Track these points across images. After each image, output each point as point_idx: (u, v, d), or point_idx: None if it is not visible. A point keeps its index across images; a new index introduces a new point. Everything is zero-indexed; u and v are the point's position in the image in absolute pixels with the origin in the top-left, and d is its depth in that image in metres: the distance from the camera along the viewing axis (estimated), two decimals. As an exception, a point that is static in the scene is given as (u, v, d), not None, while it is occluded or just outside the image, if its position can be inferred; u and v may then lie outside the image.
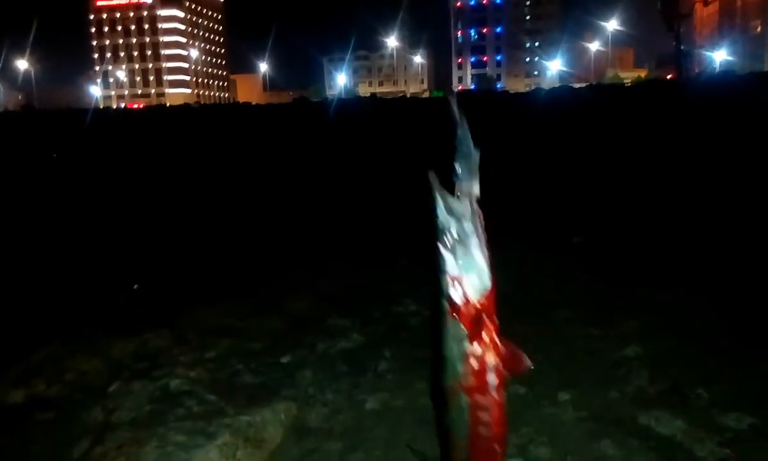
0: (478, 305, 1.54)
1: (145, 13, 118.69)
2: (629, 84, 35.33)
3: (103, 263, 5.76)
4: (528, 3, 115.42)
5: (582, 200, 7.82)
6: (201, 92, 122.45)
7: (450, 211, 1.53)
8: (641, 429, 2.59)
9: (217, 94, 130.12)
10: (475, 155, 1.54)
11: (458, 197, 1.54)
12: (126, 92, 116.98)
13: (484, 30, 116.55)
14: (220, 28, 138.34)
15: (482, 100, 26.43)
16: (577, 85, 34.14)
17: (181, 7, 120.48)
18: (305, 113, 26.02)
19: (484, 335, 1.57)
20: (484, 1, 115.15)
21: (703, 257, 5.03)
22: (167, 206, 8.97)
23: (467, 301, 1.55)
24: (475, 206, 1.56)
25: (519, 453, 2.46)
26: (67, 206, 9.16)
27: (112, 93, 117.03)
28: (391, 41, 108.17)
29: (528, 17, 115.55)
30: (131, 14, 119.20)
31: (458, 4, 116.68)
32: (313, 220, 7.47)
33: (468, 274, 1.54)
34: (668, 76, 46.27)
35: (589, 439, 2.52)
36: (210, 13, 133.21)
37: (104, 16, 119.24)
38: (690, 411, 2.67)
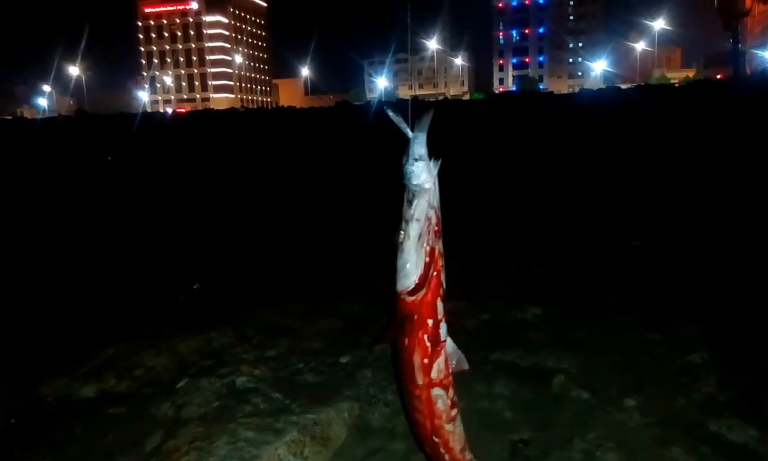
0: (407, 302, 1.75)
1: (191, 19, 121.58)
2: (678, 85, 34.39)
3: (162, 264, 5.94)
4: (571, 2, 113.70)
5: (637, 203, 7.65)
6: (244, 97, 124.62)
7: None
8: (712, 436, 2.54)
9: (260, 98, 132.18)
10: (429, 168, 1.69)
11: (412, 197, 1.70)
12: (172, 97, 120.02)
13: (527, 31, 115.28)
14: (263, 33, 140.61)
15: (524, 101, 26.16)
16: (624, 86, 33.41)
17: (225, 13, 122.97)
18: (347, 116, 26.21)
19: (416, 332, 1.79)
20: (527, 2, 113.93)
21: (766, 261, 4.87)
22: (217, 207, 9.17)
23: (398, 296, 1.77)
24: (431, 207, 1.71)
25: (586, 458, 2.44)
26: (125, 207, 9.46)
27: (159, 98, 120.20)
28: (432, 43, 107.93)
29: (571, 17, 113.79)
30: (177, 21, 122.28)
31: (500, 4, 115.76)
32: (361, 222, 7.53)
33: (399, 272, 1.74)
34: (717, 77, 44.82)
35: (659, 445, 2.48)
36: (253, 19, 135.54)
37: (152, 22, 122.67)
38: (763, 420, 2.60)
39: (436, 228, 1.73)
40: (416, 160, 1.69)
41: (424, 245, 1.72)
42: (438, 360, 1.81)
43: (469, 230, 6.37)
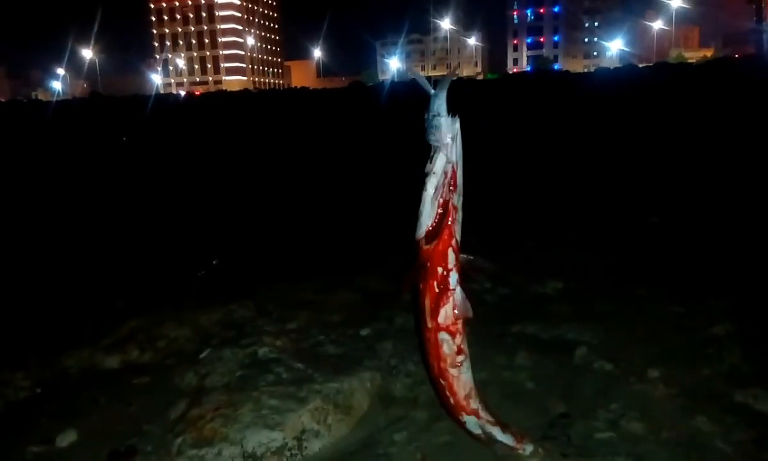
0: (422, 249, 1.85)
1: (203, 1, 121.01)
2: (695, 64, 33.80)
3: (180, 241, 5.98)
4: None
5: (655, 180, 7.57)
6: (257, 79, 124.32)
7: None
8: (738, 406, 2.52)
9: (272, 80, 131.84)
10: (448, 124, 1.76)
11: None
12: (185, 80, 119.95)
13: (541, 10, 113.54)
14: (275, 15, 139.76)
15: (540, 81, 25.86)
16: (641, 65, 32.91)
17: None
18: (360, 97, 26.11)
19: (427, 278, 1.89)
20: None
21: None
22: (232, 186, 9.20)
23: (416, 243, 1.86)
24: (448, 161, 1.78)
25: (610, 427, 2.43)
26: (142, 186, 9.52)
27: (172, 81, 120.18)
28: (445, 24, 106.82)
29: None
30: (189, 2, 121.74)
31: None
32: (376, 200, 7.52)
33: (418, 220, 1.84)
34: (736, 55, 43.97)
35: (683, 415, 2.47)
36: (265, 0, 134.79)
37: (164, 5, 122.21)
38: (789, 391, 2.57)
39: (452, 182, 1.79)
40: (435, 116, 1.76)
41: (438, 197, 1.79)
42: (445, 307, 1.90)
43: (487, 208, 6.35)
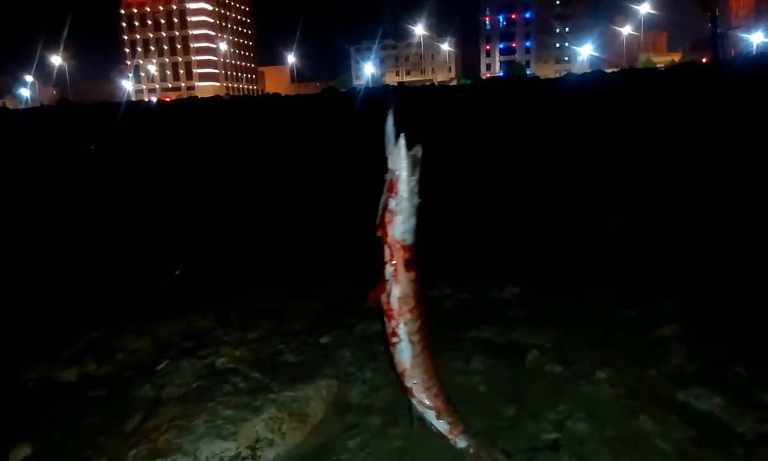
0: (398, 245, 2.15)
1: (175, 6, 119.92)
2: (663, 69, 34.54)
3: (145, 251, 5.95)
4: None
5: (620, 185, 7.74)
6: (230, 85, 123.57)
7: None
8: (679, 405, 2.61)
9: (246, 86, 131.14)
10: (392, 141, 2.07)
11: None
12: (157, 86, 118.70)
13: (513, 16, 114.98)
14: (248, 20, 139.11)
15: (511, 87, 26.18)
16: (609, 70, 33.51)
17: (209, 0, 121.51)
18: (333, 103, 26.10)
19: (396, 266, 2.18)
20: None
21: (741, 240, 4.97)
22: (202, 195, 9.16)
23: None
24: (390, 175, 2.11)
25: (556, 428, 2.50)
26: (107, 195, 9.42)
27: (144, 87, 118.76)
28: (419, 30, 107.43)
29: (558, 2, 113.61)
30: (161, 8, 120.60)
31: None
32: (346, 209, 7.55)
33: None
34: (703, 60, 45.07)
35: (627, 415, 2.55)
36: (238, 5, 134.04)
37: (135, 10, 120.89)
38: (729, 389, 2.68)
39: (390, 188, 2.12)
40: (387, 134, 2.11)
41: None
42: (384, 293, 2.22)
43: (455, 213, 6.44)
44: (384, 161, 2.10)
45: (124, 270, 5.31)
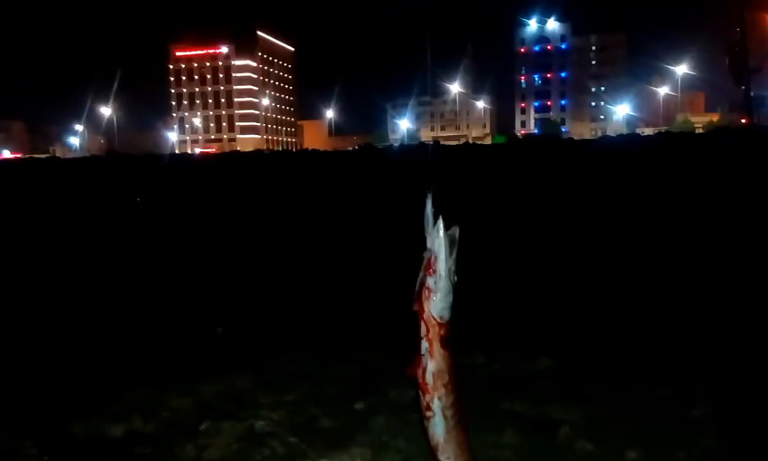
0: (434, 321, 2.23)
1: (221, 63, 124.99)
2: (701, 130, 34.43)
3: (188, 306, 6.16)
4: (593, 48, 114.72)
5: (657, 252, 7.72)
6: (270, 137, 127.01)
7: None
8: (711, 491, 2.62)
9: (285, 138, 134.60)
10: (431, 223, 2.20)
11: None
12: (200, 137, 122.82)
13: (549, 75, 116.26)
14: (290, 76, 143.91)
15: (543, 148, 26.37)
16: (645, 131, 33.53)
17: (254, 57, 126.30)
18: (371, 159, 26.64)
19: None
20: (549, 47, 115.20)
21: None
22: (244, 248, 9.44)
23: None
24: (428, 254, 2.22)
25: (587, 509, 2.54)
26: (153, 247, 9.77)
27: (187, 138, 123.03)
28: (455, 87, 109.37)
29: (593, 62, 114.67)
30: (208, 64, 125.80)
31: (522, 50, 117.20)
32: (385, 267, 7.70)
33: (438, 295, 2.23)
34: (742, 121, 44.66)
35: (658, 498, 2.57)
36: (281, 62, 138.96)
37: (182, 66, 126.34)
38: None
39: (427, 266, 2.23)
40: (426, 216, 2.24)
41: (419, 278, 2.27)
42: (419, 367, 2.28)
43: (488, 277, 6.51)
44: (418, 222, 2.25)
45: (167, 323, 5.51)
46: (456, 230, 2.31)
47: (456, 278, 2.30)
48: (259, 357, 4.45)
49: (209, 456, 3.02)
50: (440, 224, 2.22)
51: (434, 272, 2.24)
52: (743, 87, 37.28)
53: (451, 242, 2.27)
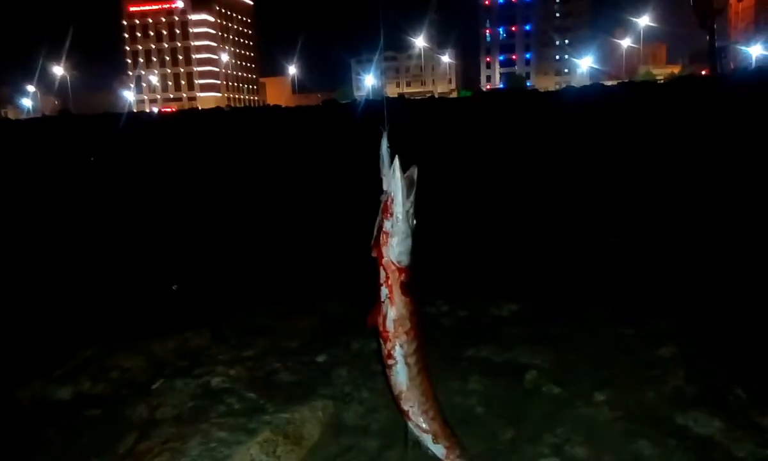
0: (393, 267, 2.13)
1: (177, 18, 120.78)
2: (662, 81, 34.72)
3: (142, 264, 5.92)
4: (558, 0, 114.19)
5: (619, 200, 7.73)
6: (231, 96, 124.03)
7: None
8: (679, 429, 2.58)
9: (246, 97, 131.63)
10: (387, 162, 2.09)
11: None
12: (158, 97, 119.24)
13: (513, 28, 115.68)
14: (250, 31, 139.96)
15: (512, 99, 26.23)
16: (608, 83, 33.63)
17: (211, 12, 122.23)
18: (335, 116, 26.16)
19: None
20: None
21: (740, 255, 4.95)
22: (200, 207, 9.15)
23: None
24: (384, 196, 2.11)
25: (554, 452, 2.47)
26: (105, 208, 9.40)
27: (145, 98, 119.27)
28: (419, 41, 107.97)
29: (558, 14, 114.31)
30: (163, 19, 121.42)
31: (486, 2, 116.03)
32: (343, 223, 7.54)
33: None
34: (703, 72, 45.21)
35: (626, 439, 2.52)
36: (240, 17, 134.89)
37: (137, 21, 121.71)
38: (728, 412, 2.65)
39: (384, 209, 2.12)
40: (381, 154, 2.13)
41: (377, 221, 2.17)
42: (379, 315, 2.19)
43: (452, 228, 6.42)
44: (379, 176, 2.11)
45: (119, 284, 5.28)
46: (414, 171, 2.16)
47: (415, 221, 2.17)
48: (217, 313, 4.28)
49: (162, 415, 2.86)
50: (396, 164, 2.08)
51: (391, 215, 2.12)
52: (707, 29, 37.30)
53: (409, 183, 2.13)
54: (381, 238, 2.14)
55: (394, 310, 2.19)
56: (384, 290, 2.19)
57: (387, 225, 2.12)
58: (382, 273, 2.18)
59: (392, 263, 2.16)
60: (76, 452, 2.76)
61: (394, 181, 2.08)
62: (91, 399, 3.20)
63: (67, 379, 3.38)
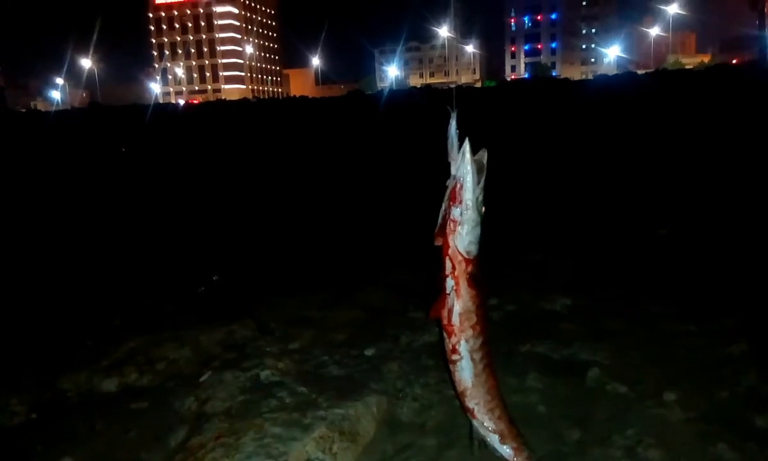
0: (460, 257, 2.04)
1: (202, 10, 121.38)
2: (693, 69, 33.86)
3: (179, 256, 5.89)
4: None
5: (659, 190, 7.50)
6: (255, 87, 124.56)
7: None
8: (759, 432, 2.43)
9: (271, 88, 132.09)
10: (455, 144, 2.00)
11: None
12: (184, 89, 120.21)
13: (539, 17, 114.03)
14: (274, 23, 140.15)
15: (536, 88, 25.82)
16: (639, 72, 32.95)
17: (235, 4, 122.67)
18: (360, 106, 26.05)
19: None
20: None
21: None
22: (232, 197, 9.12)
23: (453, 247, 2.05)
24: (452, 182, 2.01)
25: (627, 455, 2.34)
26: (140, 198, 9.43)
27: (171, 89, 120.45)
28: (443, 31, 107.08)
29: (584, 2, 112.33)
30: (188, 12, 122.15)
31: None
32: (380, 210, 7.44)
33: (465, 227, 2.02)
34: (733, 61, 44.06)
35: (703, 442, 2.37)
36: (264, 9, 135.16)
37: (163, 14, 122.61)
38: (812, 415, 2.48)
39: (452, 196, 2.01)
40: (449, 137, 2.04)
41: (442, 209, 2.07)
42: (444, 308, 2.11)
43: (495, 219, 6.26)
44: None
45: (159, 276, 5.25)
46: (484, 155, 2.03)
47: (484, 208, 2.05)
48: (258, 304, 4.20)
49: (212, 409, 2.79)
50: (466, 147, 1.96)
51: (460, 202, 1.99)
52: (756, 11, 35.85)
53: (479, 168, 2.00)
54: (448, 226, 2.03)
55: (460, 303, 2.09)
56: (450, 282, 2.08)
57: (455, 213, 2.01)
58: (448, 264, 2.07)
59: (459, 253, 2.05)
60: (125, 445, 2.69)
61: (464, 166, 1.96)
62: (137, 392, 3.14)
63: (113, 371, 3.33)
